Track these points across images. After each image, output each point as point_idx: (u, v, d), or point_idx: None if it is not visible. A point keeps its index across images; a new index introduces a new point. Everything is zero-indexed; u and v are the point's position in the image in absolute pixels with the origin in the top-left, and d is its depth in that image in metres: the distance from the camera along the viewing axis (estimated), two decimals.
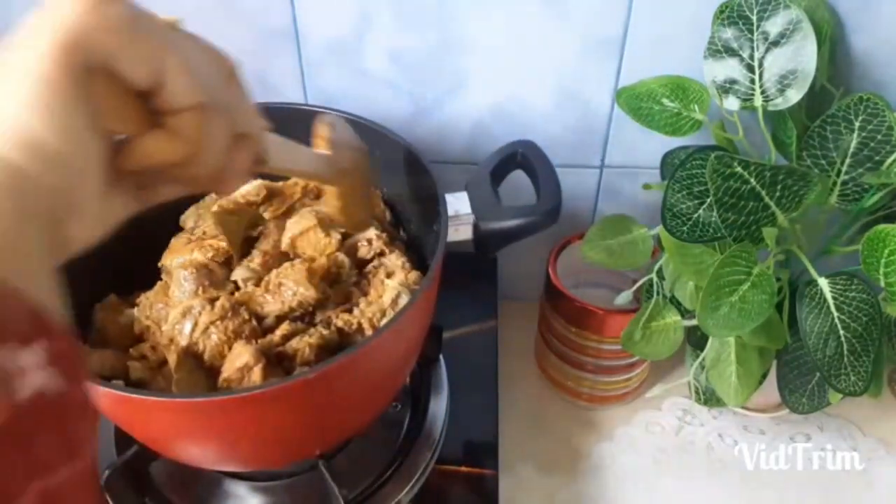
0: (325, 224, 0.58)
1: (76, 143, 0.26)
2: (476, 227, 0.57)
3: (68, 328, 0.23)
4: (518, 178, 0.61)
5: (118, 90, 0.28)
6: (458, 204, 0.57)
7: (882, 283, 0.52)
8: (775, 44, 0.57)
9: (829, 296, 0.54)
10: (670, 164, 0.64)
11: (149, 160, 0.31)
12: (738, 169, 0.51)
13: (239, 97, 0.34)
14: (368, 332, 0.54)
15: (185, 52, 0.30)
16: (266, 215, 0.62)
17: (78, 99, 0.25)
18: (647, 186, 0.66)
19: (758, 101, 0.58)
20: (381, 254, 0.60)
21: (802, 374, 0.61)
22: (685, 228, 0.56)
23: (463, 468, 0.64)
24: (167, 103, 0.29)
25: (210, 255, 0.58)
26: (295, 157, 0.45)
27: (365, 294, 0.57)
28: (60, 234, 0.26)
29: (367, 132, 0.62)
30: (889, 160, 0.55)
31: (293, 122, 0.65)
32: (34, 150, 0.24)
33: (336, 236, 0.58)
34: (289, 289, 0.54)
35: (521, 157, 0.61)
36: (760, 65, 0.57)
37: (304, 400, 0.48)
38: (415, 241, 0.64)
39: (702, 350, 0.62)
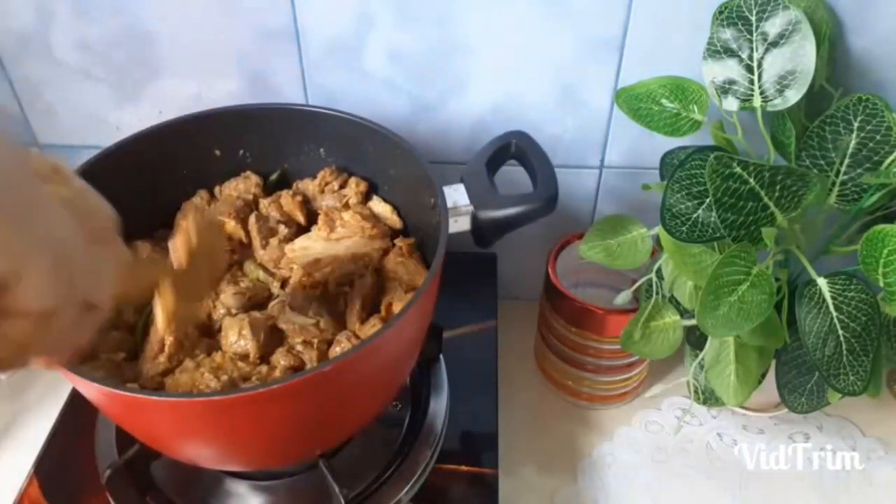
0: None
1: None
2: (475, 217, 0.57)
3: None
4: (512, 172, 0.61)
5: None
6: (455, 195, 0.57)
7: (881, 283, 0.53)
8: (774, 44, 0.57)
9: (827, 296, 0.54)
10: (669, 165, 0.65)
11: None
12: (738, 169, 0.51)
13: (98, 261, 0.29)
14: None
15: (51, 238, 0.25)
16: None
17: None
18: (646, 187, 0.66)
19: (757, 101, 0.58)
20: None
21: (801, 374, 0.61)
22: (684, 228, 0.56)
23: (463, 467, 0.64)
24: (8, 305, 0.24)
25: None
26: (143, 279, 0.41)
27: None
28: None
29: (367, 132, 0.62)
30: (888, 160, 0.56)
31: (293, 122, 0.65)
32: None
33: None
34: None
35: (516, 147, 0.61)
36: (759, 65, 0.58)
37: (304, 399, 0.48)
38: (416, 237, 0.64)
39: (701, 350, 0.62)
